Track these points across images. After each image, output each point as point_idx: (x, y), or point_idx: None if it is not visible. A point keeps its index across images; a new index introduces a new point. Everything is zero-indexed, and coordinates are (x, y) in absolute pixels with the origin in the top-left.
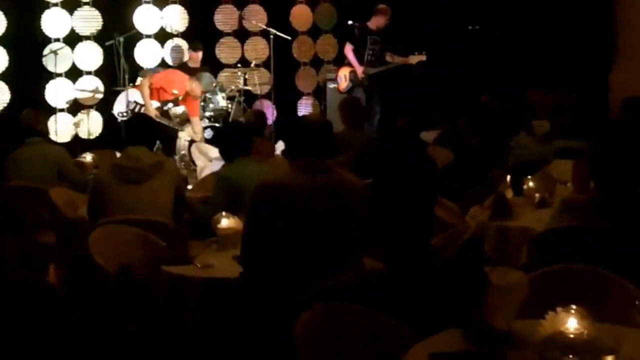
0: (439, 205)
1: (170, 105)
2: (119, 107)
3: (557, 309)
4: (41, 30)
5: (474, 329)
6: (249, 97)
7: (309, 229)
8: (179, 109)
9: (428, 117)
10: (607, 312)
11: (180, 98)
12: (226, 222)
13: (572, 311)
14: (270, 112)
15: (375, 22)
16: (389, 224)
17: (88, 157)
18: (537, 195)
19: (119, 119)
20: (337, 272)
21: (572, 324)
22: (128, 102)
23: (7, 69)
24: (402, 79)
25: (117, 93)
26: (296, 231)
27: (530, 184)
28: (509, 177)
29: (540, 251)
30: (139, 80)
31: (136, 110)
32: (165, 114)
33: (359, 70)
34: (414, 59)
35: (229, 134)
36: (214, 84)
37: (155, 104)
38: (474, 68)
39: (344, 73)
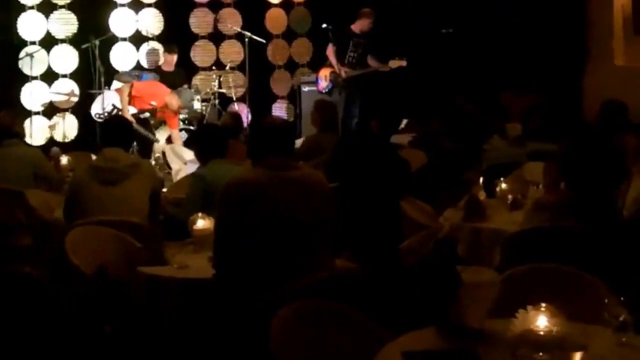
0: (414, 206)
1: (146, 114)
2: (96, 109)
3: (528, 307)
4: (17, 32)
5: (447, 327)
6: (224, 100)
7: (278, 224)
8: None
9: (400, 120)
10: (577, 311)
11: (158, 110)
12: (202, 223)
13: (542, 309)
14: (245, 115)
15: (360, 25)
16: (357, 225)
17: (64, 159)
18: (509, 197)
19: (97, 120)
20: (309, 271)
21: (542, 321)
22: (106, 105)
23: None
24: (380, 83)
25: (93, 96)
26: (266, 227)
27: (503, 185)
28: (482, 179)
29: (513, 252)
30: (117, 84)
31: (113, 113)
32: (141, 121)
33: (342, 70)
34: (394, 63)
35: (204, 136)
36: (192, 100)
37: (132, 110)
38: (448, 71)
39: (324, 74)
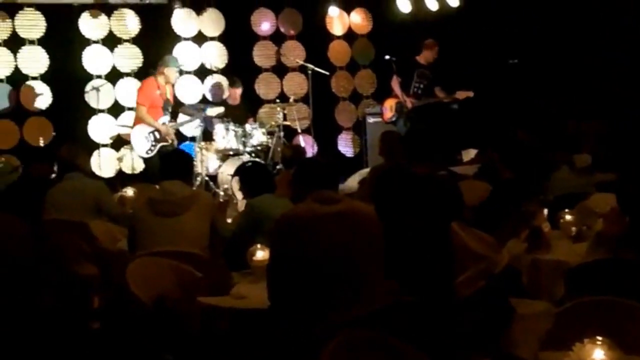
0: (473, 236)
1: (166, 118)
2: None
3: (585, 340)
4: (82, 67)
5: (500, 358)
6: (289, 132)
7: (329, 257)
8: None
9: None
10: (635, 344)
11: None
12: (261, 254)
13: (599, 342)
14: (310, 147)
15: (425, 56)
16: (404, 254)
17: (129, 192)
18: (574, 228)
19: (147, 155)
20: (358, 301)
21: (598, 355)
22: (145, 137)
23: (50, 105)
24: (446, 113)
25: None
26: (316, 260)
27: (567, 217)
28: (546, 211)
29: (575, 284)
30: (183, 117)
31: (157, 137)
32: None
33: (407, 101)
34: (461, 94)
35: (251, 174)
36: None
37: (163, 119)
38: (514, 101)
39: (389, 104)
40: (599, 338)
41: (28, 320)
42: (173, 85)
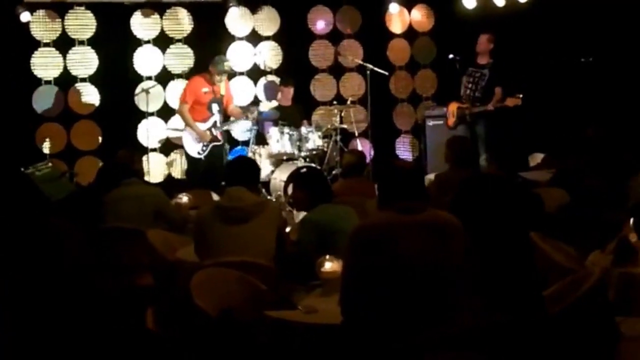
0: (556, 248)
1: (215, 112)
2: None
3: None
4: (133, 68)
5: None
6: (346, 136)
7: (409, 269)
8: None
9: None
10: None
11: (222, 94)
12: (330, 265)
13: None
14: (368, 151)
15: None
16: (488, 269)
17: (184, 198)
18: None
19: (199, 156)
20: (441, 317)
21: None
22: (196, 138)
23: (98, 107)
24: (508, 117)
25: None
26: (397, 273)
27: None
28: (632, 220)
29: None
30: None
31: (215, 133)
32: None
33: (468, 105)
34: (511, 101)
35: (313, 182)
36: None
37: (204, 125)
38: (585, 102)
39: (452, 109)
40: None
41: (83, 331)
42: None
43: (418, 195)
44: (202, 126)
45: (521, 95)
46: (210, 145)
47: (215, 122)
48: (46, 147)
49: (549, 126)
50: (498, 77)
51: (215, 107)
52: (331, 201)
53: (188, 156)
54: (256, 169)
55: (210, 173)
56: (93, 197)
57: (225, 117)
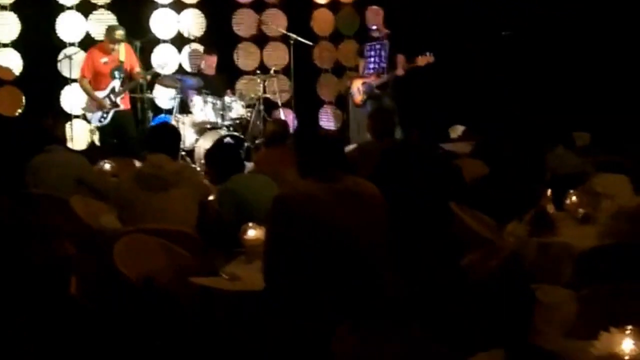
0: (475, 219)
1: (116, 83)
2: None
3: (611, 329)
4: (56, 34)
5: (520, 349)
6: (269, 105)
7: (332, 237)
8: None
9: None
10: None
11: (122, 60)
12: (253, 232)
13: (628, 332)
14: (291, 121)
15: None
16: (407, 238)
17: (107, 165)
18: (580, 210)
19: (100, 124)
20: (364, 285)
21: (627, 345)
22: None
23: (21, 73)
24: (412, 87)
25: (134, 100)
26: (319, 240)
27: (574, 198)
28: (549, 191)
29: (589, 268)
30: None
31: (113, 100)
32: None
33: (372, 79)
34: (423, 60)
35: (220, 156)
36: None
37: (102, 94)
38: (504, 76)
39: (356, 86)
40: (629, 327)
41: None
42: (141, 51)
43: (339, 164)
44: (101, 94)
45: (431, 54)
46: (112, 112)
47: (114, 87)
48: None
49: (469, 99)
50: (399, 45)
51: (117, 74)
52: (242, 171)
53: (98, 127)
54: (177, 136)
55: (122, 140)
56: (15, 163)
57: (150, 86)
